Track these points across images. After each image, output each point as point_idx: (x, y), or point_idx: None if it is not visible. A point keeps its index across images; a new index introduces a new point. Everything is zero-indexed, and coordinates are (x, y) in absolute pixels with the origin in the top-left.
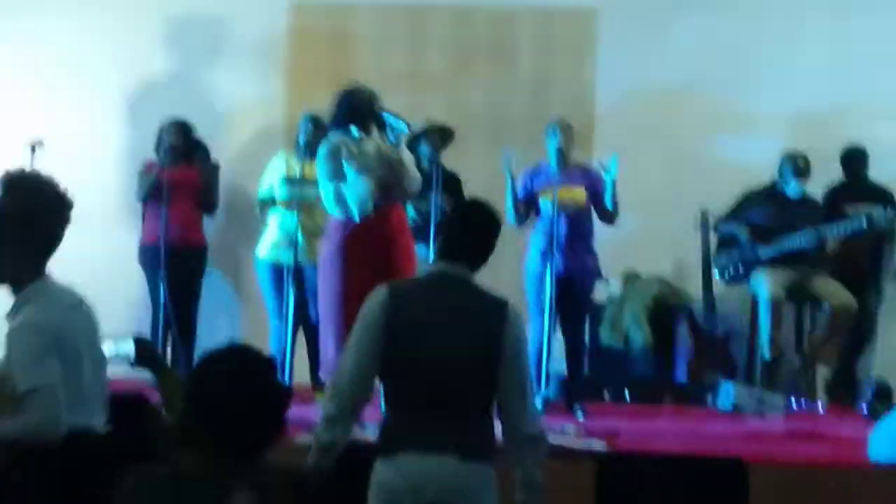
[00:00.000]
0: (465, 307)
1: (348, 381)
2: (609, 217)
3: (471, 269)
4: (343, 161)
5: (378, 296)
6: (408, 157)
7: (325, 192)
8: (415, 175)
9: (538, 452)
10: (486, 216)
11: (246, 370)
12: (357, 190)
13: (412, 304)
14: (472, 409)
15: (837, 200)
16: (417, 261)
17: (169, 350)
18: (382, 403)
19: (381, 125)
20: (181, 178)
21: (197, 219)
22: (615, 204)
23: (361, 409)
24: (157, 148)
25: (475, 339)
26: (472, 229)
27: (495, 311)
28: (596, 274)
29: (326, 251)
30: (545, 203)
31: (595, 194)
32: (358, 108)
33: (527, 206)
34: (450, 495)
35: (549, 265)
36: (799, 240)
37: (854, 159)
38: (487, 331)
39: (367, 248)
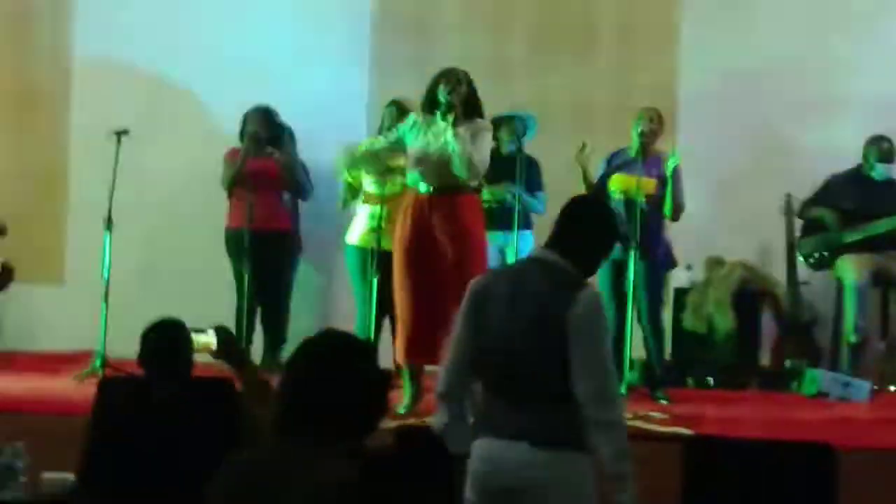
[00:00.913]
0: (536, 292)
1: (446, 367)
2: (673, 212)
3: (569, 258)
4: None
5: (472, 284)
6: (482, 144)
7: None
8: (471, 164)
9: (611, 439)
10: (592, 211)
11: (344, 355)
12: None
13: (493, 290)
14: (545, 394)
15: None
16: (492, 247)
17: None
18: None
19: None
20: (263, 167)
21: (281, 205)
22: (676, 200)
23: (464, 395)
24: (241, 135)
25: (541, 320)
26: (574, 221)
27: (564, 293)
28: (667, 260)
29: (396, 233)
30: (618, 189)
31: (662, 182)
32: (438, 94)
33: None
34: (523, 483)
35: (629, 253)
36: (885, 224)
37: None
38: (553, 311)
39: (427, 233)
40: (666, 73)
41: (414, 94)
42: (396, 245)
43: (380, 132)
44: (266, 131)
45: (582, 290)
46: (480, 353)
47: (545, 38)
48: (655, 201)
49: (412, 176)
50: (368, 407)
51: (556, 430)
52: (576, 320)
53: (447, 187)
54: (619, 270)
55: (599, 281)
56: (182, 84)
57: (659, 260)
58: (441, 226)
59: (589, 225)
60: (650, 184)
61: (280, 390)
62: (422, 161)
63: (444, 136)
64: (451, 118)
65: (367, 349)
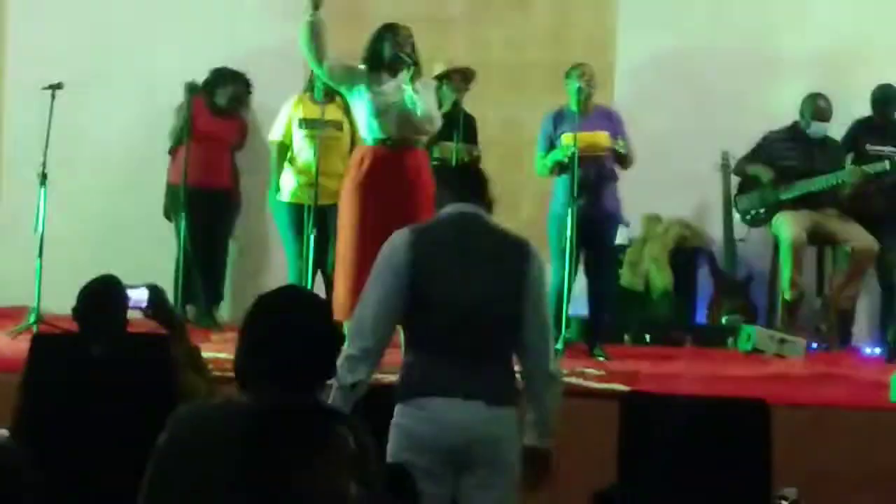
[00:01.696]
0: (488, 248)
1: (371, 323)
2: (623, 165)
3: (486, 207)
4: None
5: (401, 237)
6: (429, 98)
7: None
8: (430, 116)
9: (557, 393)
10: (478, 171)
11: (301, 310)
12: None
13: (436, 245)
14: (496, 352)
15: (859, 137)
16: None
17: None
18: (403, 347)
19: (402, 64)
20: (217, 129)
21: (226, 161)
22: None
23: (384, 351)
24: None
25: (499, 280)
26: (474, 177)
27: (517, 251)
28: (618, 219)
29: (347, 185)
30: (568, 147)
31: (617, 139)
32: (386, 50)
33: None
34: (475, 441)
35: (570, 209)
36: (821, 182)
37: (885, 98)
38: (510, 271)
39: (386, 187)
40: (604, 30)
41: (347, 49)
42: (350, 196)
43: (310, 86)
44: (229, 94)
45: (531, 246)
46: (420, 312)
47: None
48: (608, 155)
49: (367, 128)
50: (324, 362)
51: (505, 387)
52: (532, 275)
53: (404, 141)
54: (565, 225)
55: (550, 234)
56: (119, 37)
57: (612, 215)
58: (396, 180)
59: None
60: (602, 136)
61: (239, 345)
62: (385, 114)
63: (406, 90)
64: (410, 74)
65: (325, 305)
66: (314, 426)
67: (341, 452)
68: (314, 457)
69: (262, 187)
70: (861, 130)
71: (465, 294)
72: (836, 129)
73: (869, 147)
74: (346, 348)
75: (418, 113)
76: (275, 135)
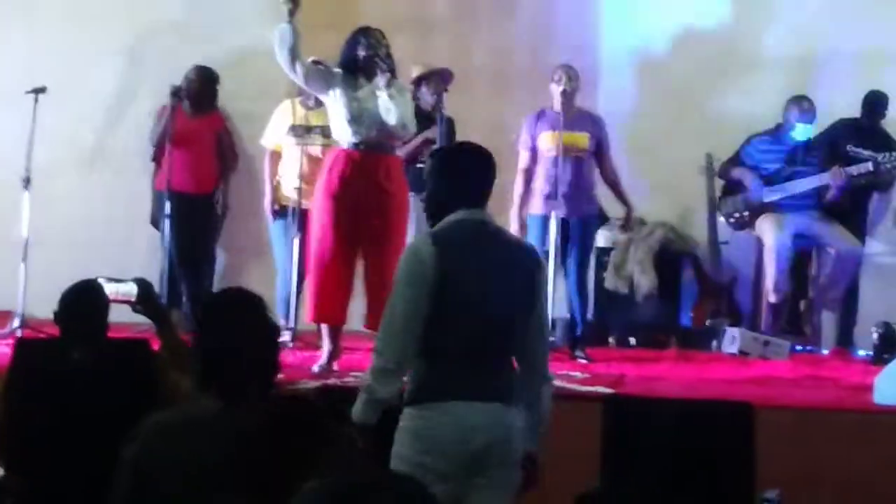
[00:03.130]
0: (504, 255)
1: (402, 336)
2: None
3: (484, 210)
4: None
5: (427, 248)
6: (405, 102)
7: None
8: (405, 122)
9: (550, 397)
10: (481, 157)
11: (237, 308)
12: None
13: (460, 255)
14: (506, 355)
15: (840, 137)
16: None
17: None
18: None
19: (377, 68)
20: (198, 127)
21: (211, 167)
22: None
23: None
24: (177, 92)
25: (516, 286)
26: (478, 172)
27: (529, 258)
28: (597, 219)
29: (318, 189)
30: (548, 147)
31: (598, 143)
32: (361, 54)
33: (532, 156)
34: (494, 442)
35: (552, 209)
36: (804, 184)
37: (875, 104)
38: (525, 277)
39: (358, 192)
40: (586, 34)
41: (333, 57)
42: (321, 199)
43: (302, 91)
44: (197, 90)
45: (538, 253)
46: (443, 320)
47: None
48: (587, 157)
49: (342, 132)
50: (264, 358)
51: (512, 389)
52: (542, 279)
53: (378, 146)
54: (548, 228)
55: (530, 236)
56: (101, 41)
57: (590, 215)
58: (368, 183)
59: (492, 172)
60: (582, 138)
61: (192, 349)
62: (359, 117)
63: (380, 95)
64: (385, 79)
65: (257, 301)
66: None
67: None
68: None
69: (251, 193)
70: (843, 132)
71: (486, 301)
72: (818, 132)
73: (850, 149)
74: (378, 361)
75: (392, 118)
76: (267, 142)
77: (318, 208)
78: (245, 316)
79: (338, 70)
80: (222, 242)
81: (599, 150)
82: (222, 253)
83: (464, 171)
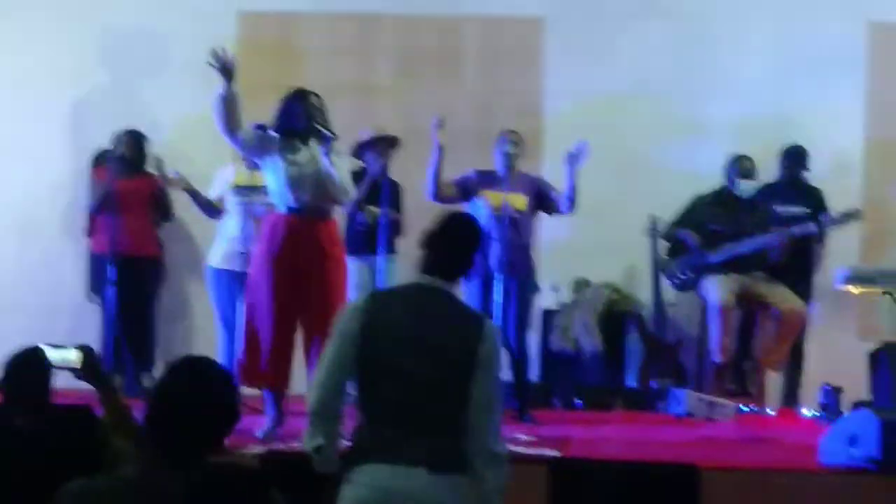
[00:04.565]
0: (442, 323)
1: (322, 388)
2: (566, 205)
3: (449, 281)
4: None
5: (355, 305)
6: (342, 167)
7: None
8: (345, 186)
9: (501, 472)
10: (467, 231)
11: (205, 381)
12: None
13: (389, 313)
14: (443, 421)
15: (767, 200)
16: (354, 272)
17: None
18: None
19: (316, 133)
20: (132, 188)
21: (150, 228)
22: (573, 191)
23: (340, 415)
24: (109, 157)
25: (450, 351)
26: (451, 244)
27: (472, 328)
28: (533, 283)
29: (257, 253)
30: (485, 206)
31: (540, 197)
32: (297, 117)
33: (456, 190)
34: None
35: (489, 270)
36: (748, 245)
37: (793, 157)
38: (463, 344)
39: (298, 257)
40: (530, 96)
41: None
42: (260, 263)
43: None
44: (135, 154)
45: (487, 323)
46: (369, 378)
47: (410, 60)
48: (525, 220)
49: (280, 196)
50: (221, 427)
51: (451, 455)
52: (485, 354)
53: (316, 210)
54: (487, 288)
55: (469, 299)
56: (49, 99)
57: (528, 280)
58: (307, 248)
59: (473, 247)
60: (520, 200)
61: (145, 414)
62: (298, 182)
63: (318, 159)
64: (328, 144)
65: (227, 377)
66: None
67: None
68: None
69: (186, 253)
70: (769, 193)
71: (411, 364)
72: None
73: (779, 209)
74: (307, 415)
75: (335, 182)
76: (212, 194)
77: (257, 273)
78: (211, 383)
79: (275, 135)
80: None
81: (541, 200)
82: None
83: (439, 239)
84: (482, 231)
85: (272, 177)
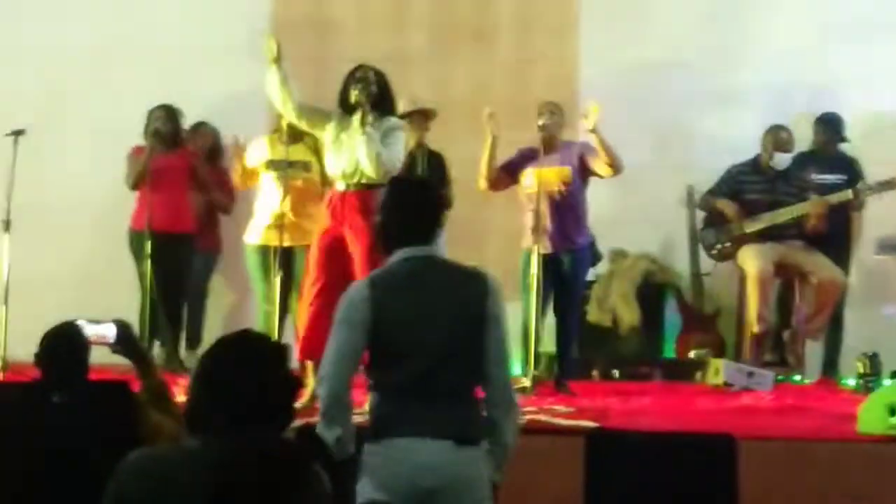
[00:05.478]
0: (445, 288)
1: (333, 375)
2: (611, 166)
3: (431, 245)
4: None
5: (358, 292)
6: (396, 142)
7: None
8: (393, 161)
9: (515, 420)
10: (425, 191)
11: (258, 357)
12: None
13: (394, 296)
14: (463, 390)
15: (803, 168)
16: None
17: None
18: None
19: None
20: (168, 165)
21: (186, 204)
22: (609, 151)
23: (349, 403)
24: (146, 133)
25: (462, 317)
26: (421, 207)
27: (475, 286)
28: (588, 255)
29: (317, 228)
30: (530, 183)
31: (583, 165)
32: (349, 92)
33: (504, 174)
34: (447, 482)
35: (535, 244)
36: (785, 214)
37: (829, 125)
38: (470, 307)
39: (345, 230)
40: (565, 65)
41: (313, 91)
42: (316, 238)
43: (277, 127)
44: (170, 128)
45: (488, 279)
46: (386, 359)
47: (443, 31)
48: (573, 192)
49: (331, 171)
50: (274, 410)
51: (471, 427)
52: (492, 308)
53: (360, 185)
54: (543, 262)
55: (521, 269)
56: (82, 82)
57: (578, 251)
58: (353, 222)
59: (426, 205)
60: (564, 171)
61: (192, 388)
62: (337, 160)
63: (355, 135)
64: (358, 118)
65: (280, 352)
66: (290, 464)
67: (319, 491)
68: (295, 497)
69: (237, 230)
70: (804, 162)
71: (428, 339)
72: None
73: (815, 177)
74: (320, 402)
75: (364, 158)
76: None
77: (312, 247)
78: (259, 361)
79: (333, 110)
80: (223, 279)
81: (588, 167)
82: (226, 290)
83: (412, 206)
84: (433, 190)
85: (326, 152)
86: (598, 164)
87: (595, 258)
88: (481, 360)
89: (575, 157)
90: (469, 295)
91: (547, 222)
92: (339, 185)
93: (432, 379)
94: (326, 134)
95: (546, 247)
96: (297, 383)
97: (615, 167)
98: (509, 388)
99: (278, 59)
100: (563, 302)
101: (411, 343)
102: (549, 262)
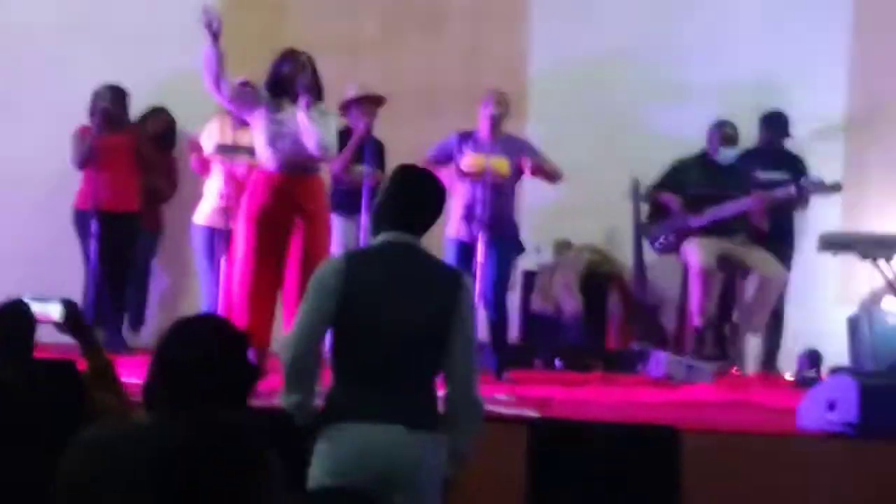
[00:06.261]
0: (418, 278)
1: (298, 342)
2: (551, 181)
3: (417, 235)
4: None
5: (333, 264)
6: (330, 125)
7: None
8: (327, 145)
9: (478, 421)
10: (430, 183)
11: (212, 339)
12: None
13: (366, 274)
14: (420, 379)
15: (748, 164)
16: (340, 230)
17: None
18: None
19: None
20: (113, 144)
21: (132, 184)
22: (550, 174)
23: (315, 374)
24: (92, 112)
25: (430, 309)
26: (417, 197)
27: (449, 281)
28: (517, 244)
29: (241, 213)
30: (471, 169)
31: (519, 164)
32: (285, 76)
33: (439, 166)
34: (397, 465)
35: (472, 232)
36: (730, 209)
37: (774, 123)
38: (442, 301)
39: (279, 217)
40: (515, 56)
41: (263, 73)
42: (243, 223)
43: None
44: (116, 108)
45: (463, 277)
46: (347, 338)
47: (395, 18)
48: (508, 182)
49: (263, 154)
50: (230, 397)
51: (427, 413)
52: (463, 306)
53: (299, 168)
54: (467, 251)
55: (450, 259)
56: (36, 60)
57: (511, 243)
58: (291, 206)
59: (438, 199)
60: (502, 163)
61: (149, 366)
62: (277, 141)
63: (300, 117)
64: (304, 101)
65: (238, 335)
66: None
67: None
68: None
69: (183, 211)
70: (749, 159)
71: (391, 323)
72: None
73: (760, 174)
74: (282, 374)
75: (311, 141)
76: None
77: (241, 232)
78: (211, 342)
79: (263, 92)
80: (164, 260)
81: (521, 167)
82: (164, 272)
83: (405, 194)
84: (440, 184)
85: (256, 134)
86: (539, 175)
87: (520, 249)
88: (442, 355)
89: (515, 155)
90: (441, 289)
91: (480, 209)
92: (276, 167)
93: (391, 366)
94: (259, 117)
95: (473, 235)
96: (254, 367)
97: (555, 180)
98: (472, 387)
99: (217, 36)
100: (496, 290)
101: (374, 327)
102: (472, 251)
